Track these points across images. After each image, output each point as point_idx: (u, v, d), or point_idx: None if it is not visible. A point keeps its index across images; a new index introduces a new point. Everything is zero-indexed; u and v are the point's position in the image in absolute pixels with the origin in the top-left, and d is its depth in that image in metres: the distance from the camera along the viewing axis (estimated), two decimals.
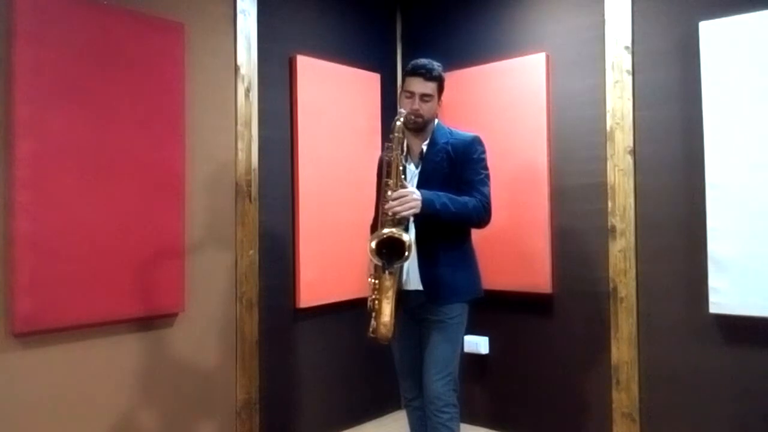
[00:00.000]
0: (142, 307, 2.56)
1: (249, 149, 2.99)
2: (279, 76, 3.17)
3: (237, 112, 2.95)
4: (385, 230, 2.21)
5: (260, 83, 3.05)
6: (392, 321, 2.26)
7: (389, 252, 2.22)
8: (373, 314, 2.29)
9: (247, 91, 2.97)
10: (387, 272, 2.23)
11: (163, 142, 2.63)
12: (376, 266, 2.29)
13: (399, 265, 2.24)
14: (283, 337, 3.16)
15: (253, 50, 3.02)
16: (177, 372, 2.72)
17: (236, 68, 2.94)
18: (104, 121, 2.45)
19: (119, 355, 2.54)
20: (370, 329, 2.29)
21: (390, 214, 2.22)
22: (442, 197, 2.30)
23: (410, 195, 2.23)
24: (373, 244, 2.20)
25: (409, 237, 2.22)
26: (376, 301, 2.27)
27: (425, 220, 2.32)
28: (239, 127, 2.95)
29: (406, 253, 2.20)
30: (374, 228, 2.48)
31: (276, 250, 3.12)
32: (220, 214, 2.88)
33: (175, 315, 2.69)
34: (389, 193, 2.24)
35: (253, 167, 3.00)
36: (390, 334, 2.28)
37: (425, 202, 2.25)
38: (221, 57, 2.91)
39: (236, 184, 2.93)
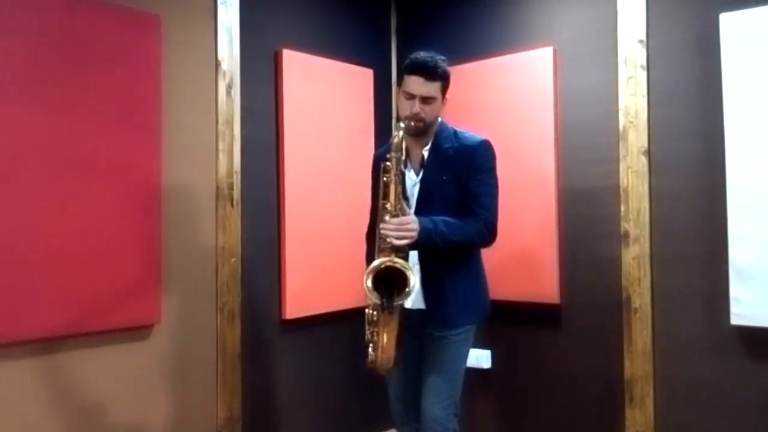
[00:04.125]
0: (114, 319, 2.50)
1: (231, 150, 2.93)
2: (263, 72, 3.11)
3: (218, 111, 2.88)
4: (383, 259, 2.11)
5: (243, 79, 2.99)
6: (393, 352, 2.21)
7: (387, 281, 2.11)
8: (371, 345, 2.22)
9: (229, 87, 2.92)
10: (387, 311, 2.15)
11: (137, 142, 2.57)
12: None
13: (400, 302, 2.14)
14: (267, 350, 3.11)
15: (235, 44, 2.96)
16: (153, 388, 2.66)
17: (217, 63, 2.89)
18: (72, 120, 2.39)
19: (89, 370, 2.47)
20: (369, 359, 2.24)
21: (385, 240, 2.15)
22: (439, 225, 2.21)
23: (409, 224, 2.14)
24: (369, 283, 2.09)
25: (412, 275, 2.10)
26: (375, 333, 2.21)
27: (422, 247, 2.26)
28: (220, 126, 2.89)
29: (407, 290, 2.09)
30: (369, 238, 2.44)
31: (260, 258, 3.07)
32: (200, 219, 2.83)
33: (150, 327, 2.63)
34: (387, 217, 2.16)
35: (235, 169, 2.94)
36: (391, 365, 2.23)
37: (422, 233, 2.16)
38: (201, 51, 2.84)
39: (217, 187, 2.88)
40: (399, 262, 2.09)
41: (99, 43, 2.45)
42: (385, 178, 2.19)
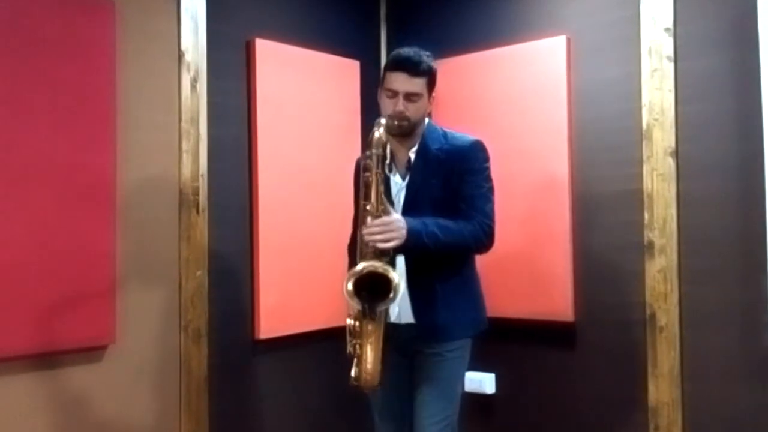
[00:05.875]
0: (62, 338, 2.45)
1: (196, 151, 2.86)
2: (233, 64, 3.04)
3: (181, 107, 2.82)
4: (365, 264, 2.10)
5: (210, 72, 2.92)
6: (378, 368, 2.19)
7: (371, 289, 2.10)
8: (355, 360, 2.22)
9: (194, 81, 2.85)
10: (369, 317, 2.15)
11: (89, 142, 2.53)
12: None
13: (383, 308, 2.14)
14: (238, 374, 3.04)
15: (202, 33, 2.88)
16: (106, 416, 2.58)
17: (180, 54, 2.81)
18: (16, 118, 2.35)
19: (34, 397, 2.41)
20: (353, 377, 2.23)
21: (369, 244, 2.13)
22: (430, 226, 2.19)
23: (394, 224, 2.12)
24: (350, 285, 2.08)
25: (395, 274, 2.09)
26: (358, 346, 2.20)
27: (412, 251, 2.24)
28: (184, 125, 2.82)
29: (391, 295, 2.08)
30: (351, 250, 2.40)
31: (230, 271, 3.01)
32: (161, 227, 2.78)
33: (104, 348, 2.57)
34: (369, 219, 2.15)
35: (201, 172, 2.88)
36: (376, 382, 2.20)
37: (411, 233, 2.14)
38: (162, 41, 2.78)
39: (180, 192, 2.81)
40: (382, 266, 2.06)
41: (47, 33, 2.39)
42: (365, 177, 2.17)
